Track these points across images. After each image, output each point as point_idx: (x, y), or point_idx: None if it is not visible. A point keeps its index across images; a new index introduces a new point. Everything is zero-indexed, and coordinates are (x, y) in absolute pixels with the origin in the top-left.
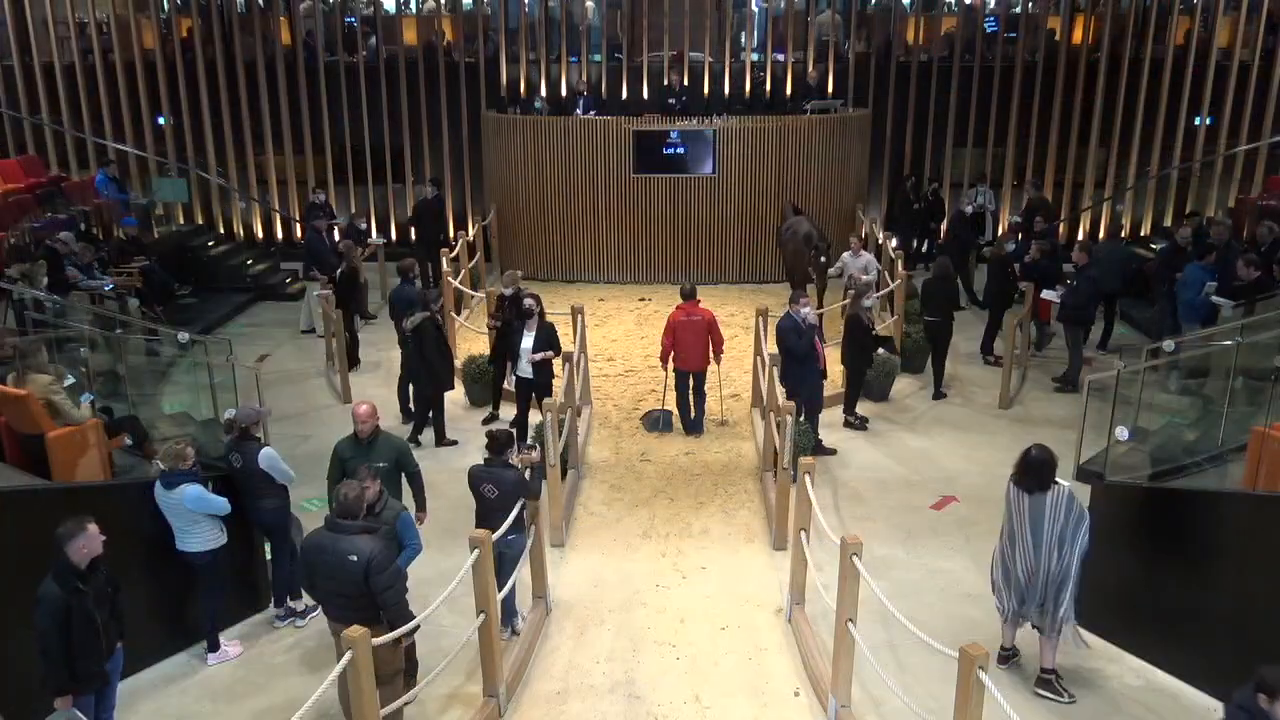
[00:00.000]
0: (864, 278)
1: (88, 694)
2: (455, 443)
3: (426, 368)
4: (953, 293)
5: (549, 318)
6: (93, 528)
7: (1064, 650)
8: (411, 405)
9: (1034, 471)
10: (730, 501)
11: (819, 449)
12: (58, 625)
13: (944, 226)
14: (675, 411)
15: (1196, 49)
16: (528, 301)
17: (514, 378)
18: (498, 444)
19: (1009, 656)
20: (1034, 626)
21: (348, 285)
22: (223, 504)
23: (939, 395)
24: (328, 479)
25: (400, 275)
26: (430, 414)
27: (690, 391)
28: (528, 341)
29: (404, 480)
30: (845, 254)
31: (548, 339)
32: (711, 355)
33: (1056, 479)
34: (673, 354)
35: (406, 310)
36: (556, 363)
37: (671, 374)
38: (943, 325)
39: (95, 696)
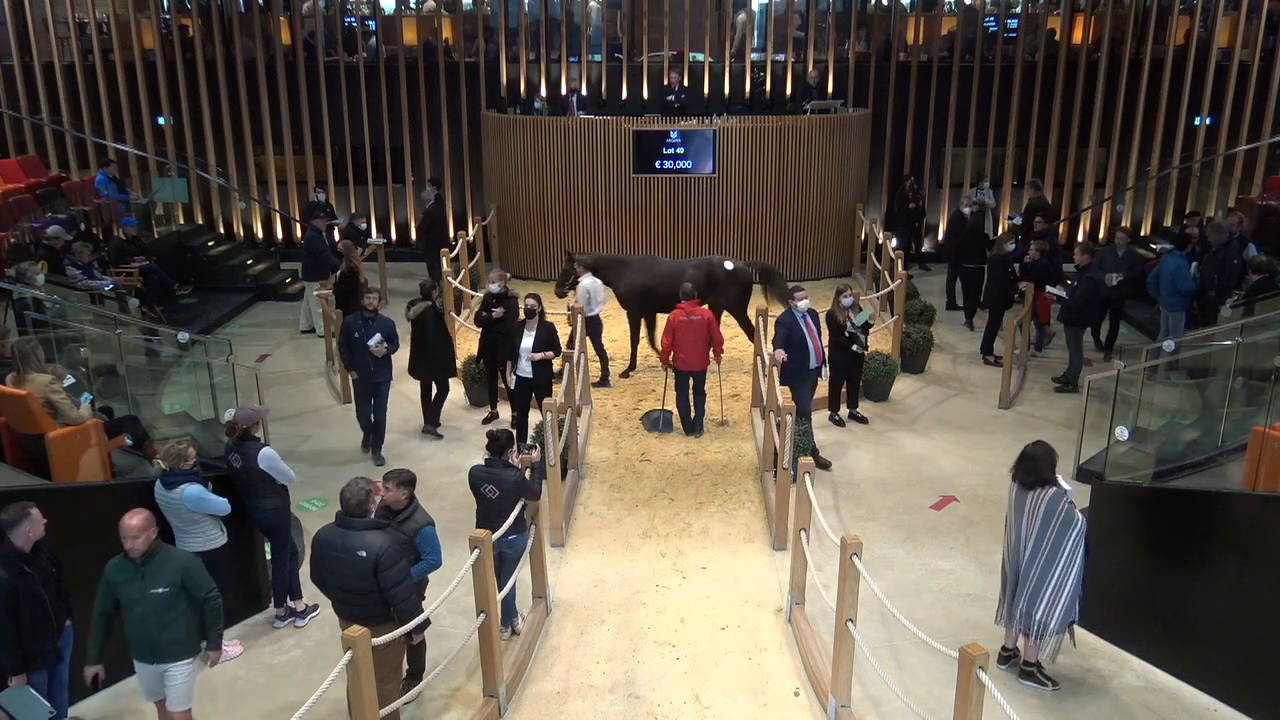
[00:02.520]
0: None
1: (41, 670)
2: (440, 436)
3: (428, 356)
4: (980, 240)
5: (549, 318)
6: (35, 512)
7: (1063, 650)
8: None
9: (1023, 464)
10: (730, 501)
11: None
12: (6, 608)
13: (928, 226)
14: (675, 411)
15: (1196, 49)
16: (529, 301)
17: (514, 377)
18: (497, 444)
19: (1009, 656)
20: (1021, 632)
21: (348, 285)
22: (223, 504)
23: (988, 349)
24: (95, 610)
25: (362, 310)
26: (435, 402)
27: (690, 391)
28: (527, 341)
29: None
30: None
31: (547, 339)
32: (712, 355)
33: (1056, 481)
34: (673, 354)
35: (347, 343)
36: (556, 362)
37: (672, 374)
38: (977, 271)
39: (50, 673)
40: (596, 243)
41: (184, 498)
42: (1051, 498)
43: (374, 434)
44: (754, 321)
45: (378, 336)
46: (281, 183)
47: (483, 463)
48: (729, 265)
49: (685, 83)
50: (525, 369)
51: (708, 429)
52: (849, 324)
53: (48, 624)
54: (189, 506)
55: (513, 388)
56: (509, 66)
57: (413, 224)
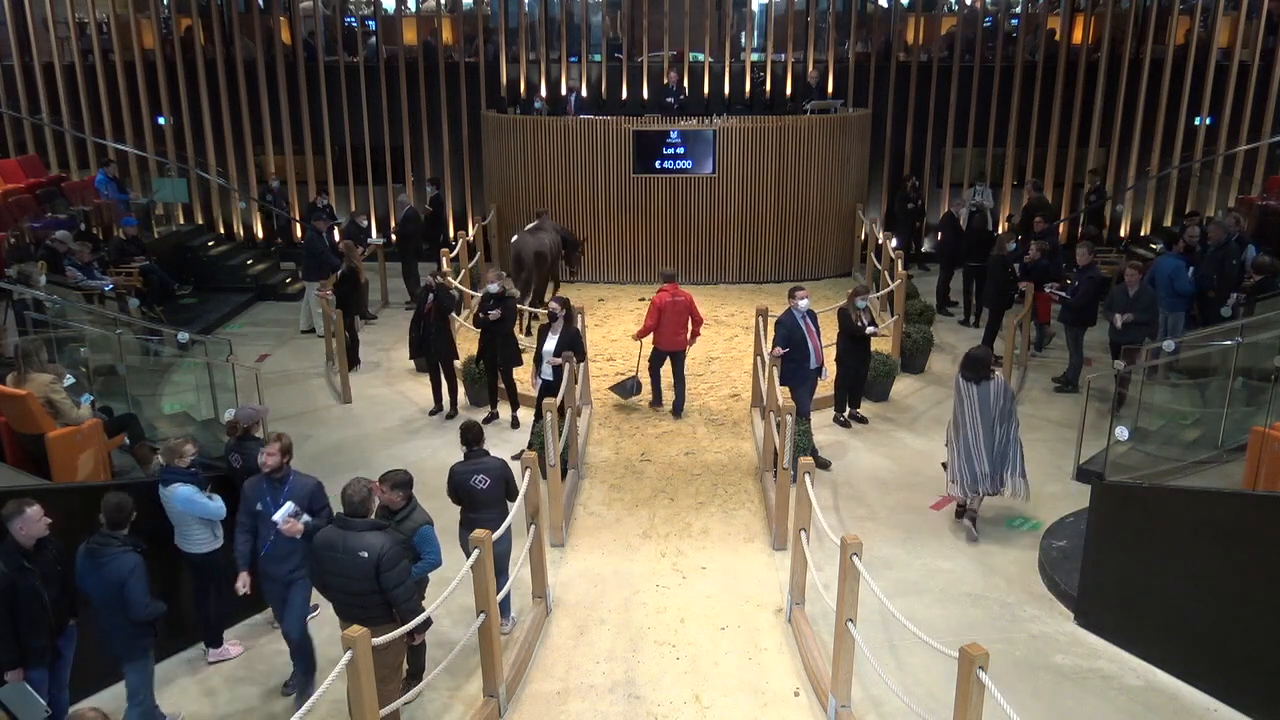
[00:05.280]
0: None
1: (39, 668)
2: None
3: (439, 339)
4: (986, 239)
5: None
6: (32, 510)
7: (1054, 640)
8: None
9: (974, 364)
10: (730, 501)
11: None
12: (3, 603)
13: (928, 226)
14: (646, 382)
15: (1196, 49)
16: (553, 305)
17: (539, 381)
18: (473, 433)
19: (963, 511)
20: (989, 493)
21: (348, 285)
22: (215, 509)
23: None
24: None
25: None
26: (453, 386)
27: (668, 369)
28: (550, 345)
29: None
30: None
31: (570, 343)
32: (689, 335)
33: (993, 370)
34: (654, 335)
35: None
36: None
37: (649, 349)
38: (980, 270)
39: (50, 672)
40: (597, 242)
41: (173, 498)
42: (1004, 385)
43: (296, 665)
44: (754, 321)
45: (289, 506)
46: (282, 183)
47: (462, 459)
48: (515, 237)
49: (685, 82)
50: (547, 373)
51: (708, 429)
52: (861, 322)
53: (45, 621)
54: (178, 507)
55: (536, 392)
56: (509, 66)
57: (374, 225)
